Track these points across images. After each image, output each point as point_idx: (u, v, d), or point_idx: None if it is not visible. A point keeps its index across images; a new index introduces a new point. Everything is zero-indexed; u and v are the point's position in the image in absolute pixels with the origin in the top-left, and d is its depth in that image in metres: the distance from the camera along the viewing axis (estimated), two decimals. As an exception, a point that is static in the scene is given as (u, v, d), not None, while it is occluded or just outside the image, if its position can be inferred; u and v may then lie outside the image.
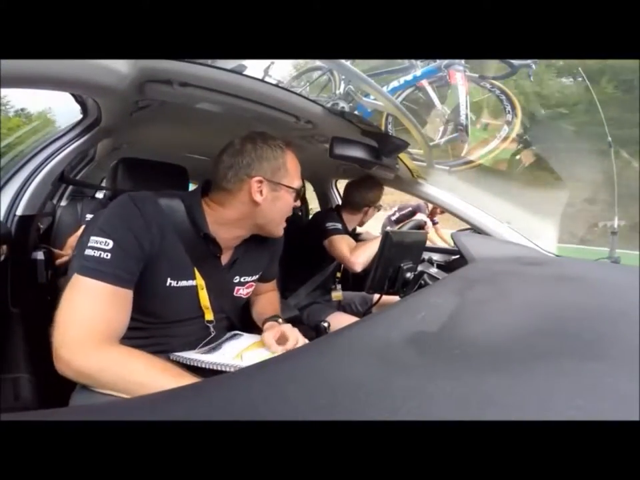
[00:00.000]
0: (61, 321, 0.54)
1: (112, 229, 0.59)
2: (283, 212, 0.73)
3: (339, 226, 1.31)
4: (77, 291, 0.56)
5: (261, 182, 0.67)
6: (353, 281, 1.63)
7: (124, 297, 0.59)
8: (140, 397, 0.35)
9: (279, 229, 0.75)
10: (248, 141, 0.69)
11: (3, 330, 0.81)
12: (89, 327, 0.54)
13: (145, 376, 0.52)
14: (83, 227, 1.12)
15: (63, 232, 1.58)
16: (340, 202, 1.64)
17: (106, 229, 0.59)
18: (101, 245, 0.57)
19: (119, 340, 0.59)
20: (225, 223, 0.70)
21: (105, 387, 0.52)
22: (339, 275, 1.48)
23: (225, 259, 0.74)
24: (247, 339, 0.76)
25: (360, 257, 1.22)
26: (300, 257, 1.37)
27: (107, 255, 0.57)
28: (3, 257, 0.84)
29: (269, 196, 0.69)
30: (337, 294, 1.48)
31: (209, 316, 0.73)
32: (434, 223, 2.88)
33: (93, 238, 0.58)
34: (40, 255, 1.12)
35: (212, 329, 0.75)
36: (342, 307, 1.48)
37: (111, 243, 0.57)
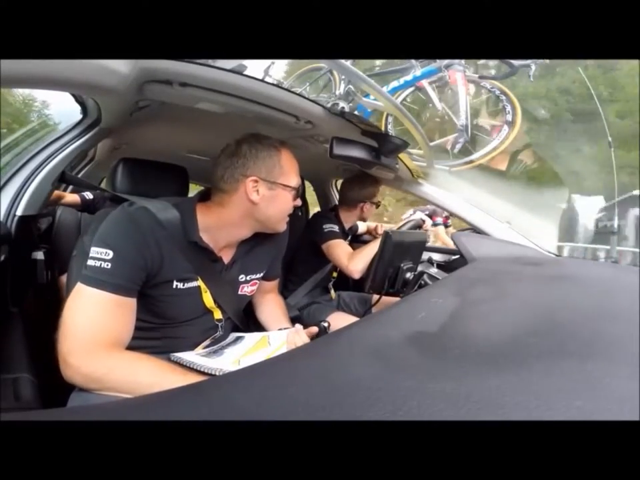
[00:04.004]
0: (67, 330, 0.56)
1: (111, 240, 0.60)
2: (282, 210, 0.74)
3: (336, 228, 1.31)
4: (81, 300, 0.58)
5: (256, 181, 0.69)
6: (353, 281, 1.63)
7: (126, 305, 0.60)
8: (140, 397, 0.35)
9: (280, 225, 0.77)
10: (243, 143, 0.71)
11: (3, 330, 0.81)
12: (95, 335, 0.56)
13: (153, 376, 0.54)
14: None
15: (63, 232, 1.57)
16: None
17: (105, 240, 0.60)
18: (101, 255, 0.59)
19: (124, 347, 0.60)
20: (225, 223, 0.71)
21: (114, 390, 0.53)
22: (335, 274, 1.48)
23: (226, 258, 0.75)
24: (248, 341, 0.76)
25: (358, 265, 1.22)
26: (299, 257, 1.37)
27: (107, 265, 0.58)
28: (3, 257, 0.84)
29: (266, 195, 0.70)
30: (331, 293, 1.49)
31: (218, 315, 0.75)
32: (446, 226, 2.89)
33: (93, 248, 0.60)
34: (40, 255, 1.12)
35: (220, 329, 0.76)
36: (342, 306, 1.48)
37: (111, 253, 0.59)
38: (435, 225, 2.83)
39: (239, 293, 0.79)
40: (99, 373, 0.54)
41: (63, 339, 0.55)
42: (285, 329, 0.80)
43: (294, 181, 0.73)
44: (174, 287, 0.67)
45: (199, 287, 0.70)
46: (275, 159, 0.70)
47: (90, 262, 0.59)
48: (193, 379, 0.55)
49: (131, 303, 0.61)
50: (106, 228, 0.62)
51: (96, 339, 0.56)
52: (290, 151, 0.74)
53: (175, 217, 0.67)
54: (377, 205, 1.46)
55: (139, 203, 0.67)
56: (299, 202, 0.77)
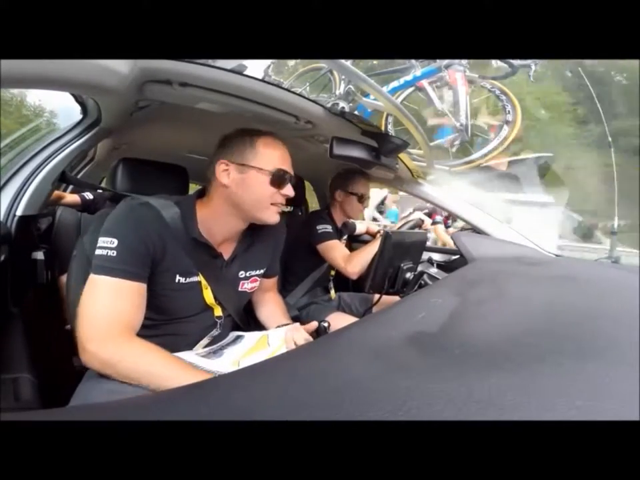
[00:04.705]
0: (84, 318, 0.59)
1: (116, 229, 0.63)
2: (258, 194, 0.71)
3: (329, 228, 1.30)
4: (93, 289, 0.61)
5: (226, 164, 0.70)
6: (353, 281, 1.63)
7: (135, 290, 0.62)
8: (140, 396, 0.35)
9: (266, 214, 0.73)
10: (226, 135, 0.74)
11: (3, 330, 0.81)
12: (108, 321, 0.59)
13: (160, 366, 0.56)
14: None
15: (63, 232, 1.57)
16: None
17: (110, 230, 0.63)
18: (107, 244, 0.62)
19: (136, 331, 0.62)
20: (213, 214, 0.73)
21: (124, 377, 0.56)
22: (333, 272, 1.47)
23: (226, 254, 0.76)
24: (248, 341, 0.76)
25: (356, 267, 1.22)
26: (296, 257, 1.37)
27: (112, 253, 0.61)
28: (3, 257, 0.84)
29: (237, 178, 0.70)
30: (331, 293, 1.48)
31: (218, 312, 0.76)
32: (447, 227, 2.88)
33: (100, 239, 0.63)
34: (40, 255, 1.12)
35: (219, 326, 0.77)
36: (342, 307, 1.48)
37: (115, 242, 0.62)
38: (434, 223, 2.83)
39: (239, 289, 0.80)
40: (114, 360, 0.56)
41: (80, 327, 0.59)
42: (283, 325, 0.80)
43: (270, 164, 0.70)
44: (176, 280, 0.68)
45: (199, 282, 0.71)
46: (248, 143, 0.70)
47: (97, 251, 0.62)
48: (195, 373, 0.57)
49: (139, 288, 0.63)
50: (110, 220, 0.65)
51: (110, 325, 0.58)
52: (274, 138, 0.73)
53: (175, 213, 0.68)
54: (359, 197, 1.36)
55: (142, 198, 0.68)
56: (290, 191, 0.73)
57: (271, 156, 0.71)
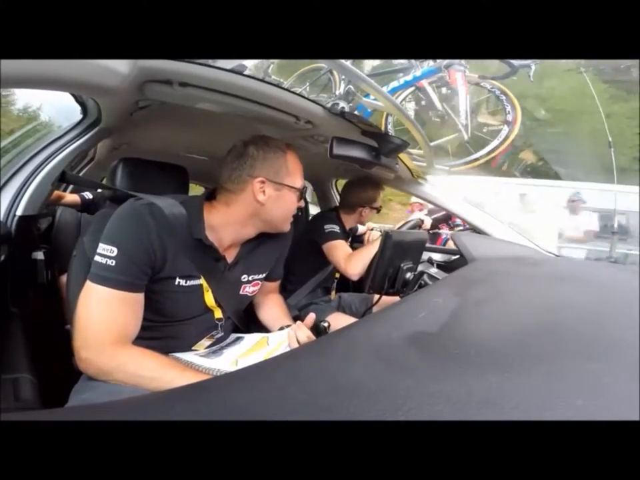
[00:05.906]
0: (79, 325, 0.59)
1: (116, 237, 0.61)
2: (287, 210, 0.76)
3: (337, 229, 1.30)
4: (89, 297, 0.60)
5: (263, 182, 0.70)
6: (353, 282, 1.62)
7: (132, 300, 0.61)
8: (140, 396, 0.35)
9: (285, 225, 0.78)
10: (250, 144, 0.72)
11: (3, 330, 0.81)
12: (103, 330, 0.58)
13: (155, 371, 0.56)
14: None
15: (63, 232, 1.57)
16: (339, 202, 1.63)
17: (111, 237, 0.61)
18: (106, 252, 0.60)
19: (131, 340, 0.62)
20: (231, 222, 0.72)
21: (120, 382, 0.56)
22: (337, 275, 1.47)
23: (230, 257, 0.76)
24: (248, 341, 0.76)
25: (356, 268, 1.21)
26: (298, 257, 1.37)
27: (111, 262, 0.60)
28: (3, 257, 0.84)
29: (273, 195, 0.71)
30: (332, 293, 1.48)
31: (218, 314, 0.76)
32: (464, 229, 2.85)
33: (100, 245, 0.61)
34: (40, 255, 1.12)
35: (220, 328, 0.77)
36: (342, 307, 1.48)
37: (115, 250, 0.60)
38: (454, 225, 2.77)
39: (241, 293, 0.80)
40: (107, 367, 0.57)
41: (75, 334, 0.58)
42: (286, 326, 0.80)
43: (299, 182, 0.75)
44: (176, 283, 0.67)
45: (201, 285, 0.71)
46: (281, 160, 0.72)
47: (96, 258, 0.61)
48: (191, 374, 0.57)
49: (136, 298, 0.62)
50: (112, 224, 0.63)
51: (104, 335, 0.58)
52: (295, 153, 0.76)
53: (181, 213, 0.67)
54: (378, 210, 1.44)
55: (147, 198, 0.67)
56: (302, 203, 0.78)
57: (298, 173, 0.75)
